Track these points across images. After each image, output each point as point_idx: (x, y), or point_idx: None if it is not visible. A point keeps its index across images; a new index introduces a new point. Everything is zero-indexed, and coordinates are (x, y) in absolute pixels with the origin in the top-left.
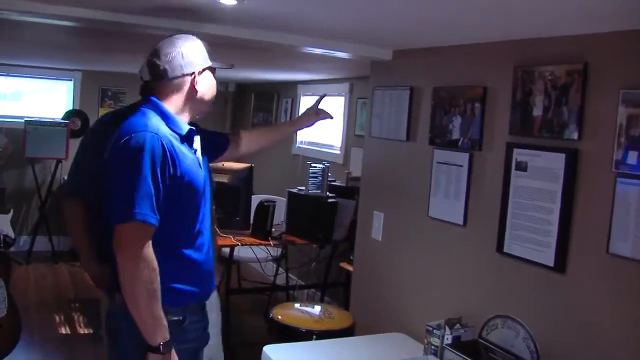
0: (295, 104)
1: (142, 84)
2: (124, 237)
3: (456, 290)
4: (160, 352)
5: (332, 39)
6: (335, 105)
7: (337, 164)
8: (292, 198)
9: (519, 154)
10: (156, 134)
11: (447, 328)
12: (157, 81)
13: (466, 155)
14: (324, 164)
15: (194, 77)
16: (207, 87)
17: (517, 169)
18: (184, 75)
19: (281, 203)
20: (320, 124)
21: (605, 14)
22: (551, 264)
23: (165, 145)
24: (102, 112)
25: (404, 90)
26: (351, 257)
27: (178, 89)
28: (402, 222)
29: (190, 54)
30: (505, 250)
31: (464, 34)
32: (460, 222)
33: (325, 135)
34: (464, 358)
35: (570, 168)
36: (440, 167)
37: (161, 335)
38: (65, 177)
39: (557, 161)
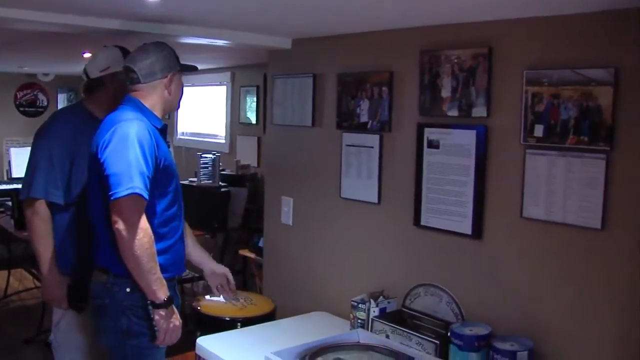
0: None
1: (85, 82)
2: (124, 210)
3: (375, 266)
4: (164, 306)
5: (227, 29)
6: (217, 94)
7: (224, 153)
8: (184, 190)
9: (430, 133)
10: (141, 121)
11: (372, 301)
12: (134, 84)
13: (376, 137)
14: (214, 154)
15: (166, 80)
16: (177, 88)
17: (429, 146)
18: (157, 79)
19: None
20: (200, 114)
21: (508, 2)
22: (469, 232)
23: (150, 132)
24: None
25: (306, 78)
26: (259, 244)
27: (152, 90)
28: (313, 206)
29: (162, 60)
30: (423, 223)
31: (367, 22)
32: (375, 200)
33: (208, 125)
34: (392, 327)
35: (481, 143)
36: (350, 150)
37: (163, 292)
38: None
39: (468, 137)
